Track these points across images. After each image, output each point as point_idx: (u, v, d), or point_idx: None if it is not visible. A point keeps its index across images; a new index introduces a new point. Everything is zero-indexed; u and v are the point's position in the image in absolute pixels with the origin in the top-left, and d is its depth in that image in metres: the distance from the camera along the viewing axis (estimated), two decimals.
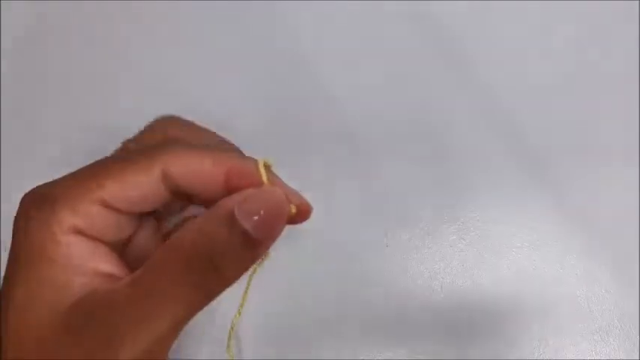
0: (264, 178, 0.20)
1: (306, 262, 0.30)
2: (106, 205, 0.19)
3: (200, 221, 0.19)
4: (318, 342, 0.28)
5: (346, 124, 0.32)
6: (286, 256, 0.30)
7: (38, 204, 0.19)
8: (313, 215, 0.30)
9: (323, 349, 0.28)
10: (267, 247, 0.20)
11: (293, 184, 0.31)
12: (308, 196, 0.30)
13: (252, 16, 0.34)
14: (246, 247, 0.19)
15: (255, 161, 0.21)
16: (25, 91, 0.33)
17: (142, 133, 0.24)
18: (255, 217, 0.18)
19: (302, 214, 0.23)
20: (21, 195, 0.21)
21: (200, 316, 0.28)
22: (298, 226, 0.30)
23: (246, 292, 0.26)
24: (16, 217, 0.20)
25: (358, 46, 0.34)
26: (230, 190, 0.20)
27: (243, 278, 0.26)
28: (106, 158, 0.22)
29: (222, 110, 0.31)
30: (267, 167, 0.21)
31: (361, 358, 0.28)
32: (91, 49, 0.34)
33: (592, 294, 0.29)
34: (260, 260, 0.23)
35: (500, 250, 0.30)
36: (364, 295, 0.29)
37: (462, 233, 0.30)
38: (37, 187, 0.20)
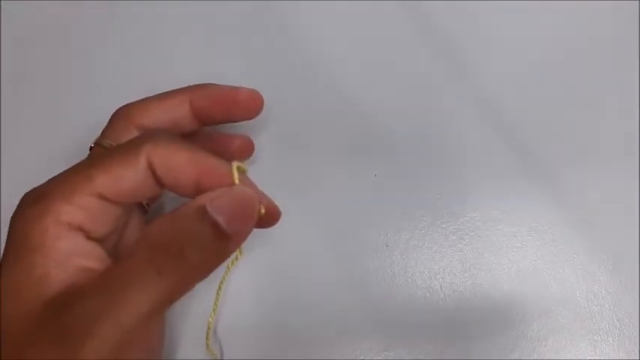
0: (236, 180, 0.21)
1: (305, 261, 0.30)
2: (99, 197, 0.20)
3: (171, 212, 0.19)
4: (317, 342, 0.28)
5: (346, 125, 0.32)
6: (286, 255, 0.30)
7: (34, 200, 0.20)
8: (313, 215, 0.30)
9: (322, 348, 0.28)
10: (238, 244, 0.20)
11: (293, 184, 0.31)
12: (308, 196, 0.31)
13: (256, 17, 0.35)
14: (215, 240, 0.19)
15: (229, 164, 0.21)
16: (25, 91, 0.33)
17: (108, 129, 0.24)
18: (227, 212, 0.19)
19: (271, 217, 0.23)
20: (20, 194, 0.21)
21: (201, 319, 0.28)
22: (299, 226, 0.30)
23: (218, 292, 0.26)
24: (12, 216, 0.20)
25: (360, 46, 0.34)
26: (201, 188, 0.21)
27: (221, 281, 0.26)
28: (94, 154, 0.23)
29: None
30: (241, 171, 0.21)
31: (361, 358, 0.28)
32: (93, 50, 0.34)
33: (592, 294, 0.29)
34: (234, 258, 0.23)
35: (500, 250, 0.30)
36: (364, 295, 0.29)
37: (462, 233, 0.30)
38: (32, 188, 0.21)
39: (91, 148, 0.24)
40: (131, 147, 0.21)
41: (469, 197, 0.31)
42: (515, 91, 0.33)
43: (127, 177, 0.20)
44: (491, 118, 0.32)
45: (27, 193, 0.21)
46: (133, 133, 0.24)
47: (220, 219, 0.19)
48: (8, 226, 0.20)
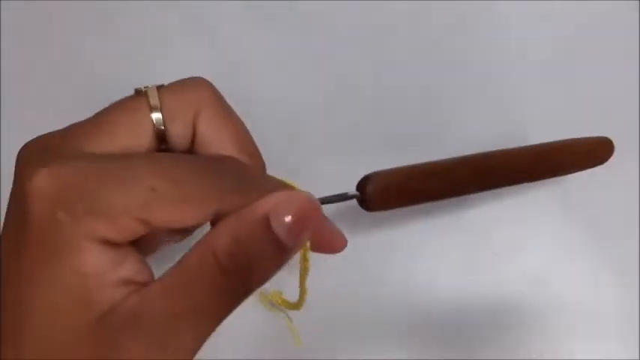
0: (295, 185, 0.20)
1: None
2: (145, 223, 0.18)
3: (233, 226, 0.18)
4: (317, 342, 0.28)
5: (347, 124, 0.32)
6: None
7: (69, 203, 0.17)
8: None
9: (323, 349, 0.28)
10: (295, 252, 0.19)
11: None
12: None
13: (256, 13, 0.34)
14: (276, 253, 0.18)
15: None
16: (26, 90, 0.33)
17: (166, 93, 0.21)
18: (288, 222, 0.18)
19: (336, 244, 0.23)
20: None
21: None
22: None
23: (302, 284, 0.24)
24: (35, 201, 0.17)
25: (360, 45, 0.34)
26: None
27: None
28: (158, 162, 0.19)
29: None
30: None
31: (361, 358, 0.28)
32: (93, 49, 0.34)
33: (592, 294, 0.29)
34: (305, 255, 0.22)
35: (501, 250, 0.30)
36: (364, 296, 0.29)
37: (462, 233, 0.30)
38: (67, 166, 0.18)
39: (137, 91, 0.21)
40: (211, 191, 0.18)
41: (470, 197, 0.31)
42: (515, 91, 0.33)
43: (191, 220, 0.18)
44: (492, 118, 0.32)
45: (61, 173, 0.17)
46: (190, 117, 0.21)
47: (283, 233, 0.18)
48: (36, 219, 0.17)
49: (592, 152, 0.29)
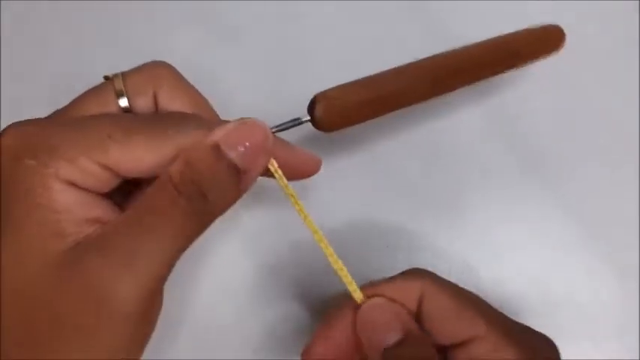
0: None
1: (306, 261, 0.30)
2: (107, 169, 0.19)
3: (186, 153, 0.19)
4: None
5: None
6: (286, 255, 0.30)
7: (34, 151, 0.19)
8: (314, 215, 0.30)
9: None
10: (254, 178, 0.20)
11: (293, 185, 0.31)
12: (308, 197, 0.30)
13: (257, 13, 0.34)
14: (232, 176, 0.20)
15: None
16: (26, 92, 0.33)
17: (129, 74, 0.23)
18: (240, 148, 0.19)
19: (307, 168, 0.24)
20: None
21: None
22: (298, 225, 0.30)
23: (301, 212, 0.24)
24: (3, 155, 0.19)
25: (356, 42, 0.34)
26: None
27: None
28: (114, 117, 0.21)
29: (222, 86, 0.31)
30: None
31: None
32: (94, 50, 0.34)
33: (593, 295, 0.29)
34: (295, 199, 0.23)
35: (501, 250, 0.30)
36: None
37: (464, 234, 0.30)
38: (31, 124, 0.20)
39: (106, 77, 0.23)
40: (158, 131, 0.20)
41: (469, 197, 0.31)
42: (515, 91, 0.33)
43: (148, 161, 0.20)
44: (493, 119, 0.32)
45: (22, 131, 0.20)
46: (150, 91, 0.23)
47: (235, 156, 0.19)
48: (7, 168, 0.19)
49: (544, 40, 0.29)
